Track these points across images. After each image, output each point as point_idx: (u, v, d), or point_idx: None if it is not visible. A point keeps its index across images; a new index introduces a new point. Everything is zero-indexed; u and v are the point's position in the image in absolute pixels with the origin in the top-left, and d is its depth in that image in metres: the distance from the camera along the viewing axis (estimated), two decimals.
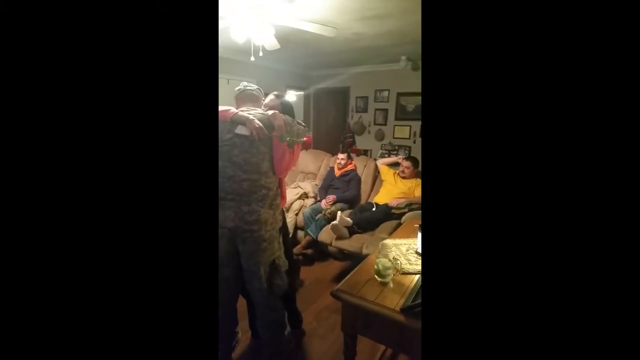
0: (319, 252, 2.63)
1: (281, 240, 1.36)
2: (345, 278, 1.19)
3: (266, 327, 1.37)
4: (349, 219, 2.34)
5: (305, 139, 1.37)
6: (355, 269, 1.26)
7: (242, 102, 1.35)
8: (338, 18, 2.35)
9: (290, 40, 2.82)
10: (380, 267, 1.16)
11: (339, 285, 1.14)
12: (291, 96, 4.66)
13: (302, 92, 5.11)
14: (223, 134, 1.23)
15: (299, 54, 3.71)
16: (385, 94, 4.43)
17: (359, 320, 1.09)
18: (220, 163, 1.23)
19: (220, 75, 3.76)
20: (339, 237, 2.29)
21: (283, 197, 1.45)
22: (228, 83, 3.83)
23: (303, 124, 1.40)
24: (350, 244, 2.23)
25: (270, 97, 1.47)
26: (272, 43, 2.19)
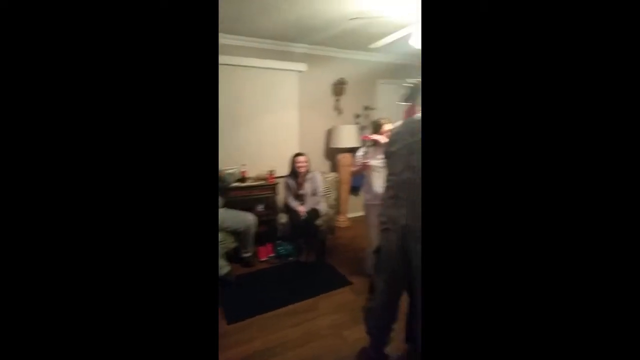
0: None
1: None
2: None
3: None
4: None
5: None
6: None
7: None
8: None
9: None
10: None
11: None
12: None
13: None
14: (404, 138, 1.30)
15: None
16: None
17: None
18: (398, 166, 1.30)
19: (393, 82, 3.89)
20: None
21: None
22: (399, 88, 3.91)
23: None
24: None
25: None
26: None
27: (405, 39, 2.14)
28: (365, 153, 2.23)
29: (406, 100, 1.68)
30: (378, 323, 1.49)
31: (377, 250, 1.43)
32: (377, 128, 2.22)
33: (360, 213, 3.75)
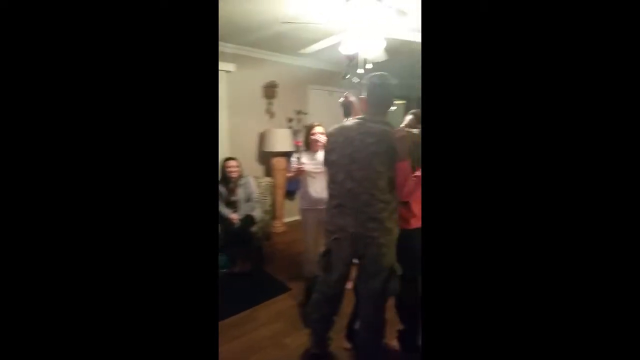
0: None
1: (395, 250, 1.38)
2: None
3: (367, 330, 1.40)
4: None
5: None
6: None
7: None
8: None
9: (398, 50, 2.82)
10: None
11: None
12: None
13: (402, 102, 5.03)
14: (343, 147, 1.32)
15: (405, 64, 3.67)
16: None
17: None
18: (339, 175, 1.32)
19: (324, 88, 4.00)
20: None
21: (416, 216, 1.49)
22: (330, 95, 4.04)
23: None
24: None
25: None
26: (379, 55, 2.24)
27: (335, 46, 2.22)
28: (299, 158, 2.23)
29: (346, 116, 1.74)
30: (320, 315, 1.50)
31: (326, 254, 1.44)
32: (308, 130, 2.25)
33: (297, 217, 3.75)
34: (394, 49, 2.65)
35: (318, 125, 2.24)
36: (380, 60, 2.30)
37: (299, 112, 3.86)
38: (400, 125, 1.41)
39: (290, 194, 3.72)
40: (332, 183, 1.38)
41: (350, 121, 1.37)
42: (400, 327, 1.70)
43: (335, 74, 4.00)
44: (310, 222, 2.26)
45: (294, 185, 3.30)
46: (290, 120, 3.80)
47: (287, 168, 2.58)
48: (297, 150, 2.28)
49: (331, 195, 1.39)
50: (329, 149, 1.40)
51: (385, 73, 1.35)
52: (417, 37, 1.98)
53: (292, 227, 3.70)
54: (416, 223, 1.52)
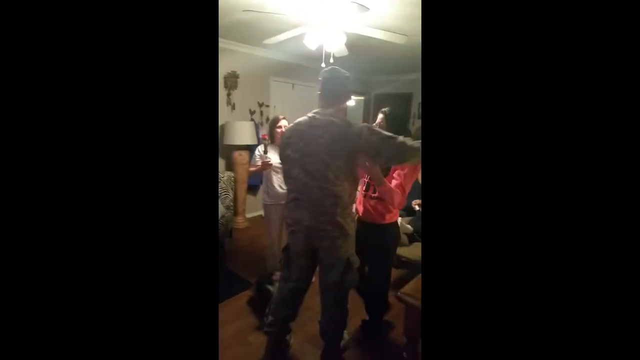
0: None
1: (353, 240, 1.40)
2: (410, 282, 1.20)
3: (329, 322, 1.42)
4: (409, 225, 2.29)
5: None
6: (419, 275, 1.24)
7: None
8: (406, 25, 2.34)
9: (356, 46, 2.87)
10: None
11: (403, 289, 1.15)
12: (350, 101, 4.71)
13: (362, 97, 5.13)
14: (296, 142, 1.31)
15: (364, 60, 3.74)
16: None
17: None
18: (295, 170, 1.32)
19: (286, 80, 3.95)
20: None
21: (391, 212, 1.55)
22: (293, 88, 4.00)
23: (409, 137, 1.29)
24: (409, 252, 2.19)
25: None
26: (340, 49, 2.26)
27: (300, 38, 2.19)
28: (265, 152, 2.18)
29: None
30: (279, 317, 1.49)
31: (286, 249, 1.44)
32: (273, 124, 2.20)
33: (260, 212, 3.68)
34: (351, 45, 2.69)
35: (283, 118, 2.21)
36: (342, 55, 2.33)
37: (261, 104, 3.78)
38: (373, 125, 1.43)
39: (253, 188, 3.64)
40: (289, 178, 1.39)
41: (303, 117, 1.37)
42: (365, 317, 1.75)
43: (298, 66, 3.97)
44: (274, 218, 2.23)
45: (256, 179, 3.23)
46: (252, 112, 3.71)
47: (250, 162, 2.52)
48: (263, 143, 2.23)
49: (289, 190, 1.40)
50: (284, 145, 1.39)
51: (337, 67, 1.36)
52: (375, 33, 2.02)
53: (255, 223, 3.63)
54: (391, 218, 1.57)
